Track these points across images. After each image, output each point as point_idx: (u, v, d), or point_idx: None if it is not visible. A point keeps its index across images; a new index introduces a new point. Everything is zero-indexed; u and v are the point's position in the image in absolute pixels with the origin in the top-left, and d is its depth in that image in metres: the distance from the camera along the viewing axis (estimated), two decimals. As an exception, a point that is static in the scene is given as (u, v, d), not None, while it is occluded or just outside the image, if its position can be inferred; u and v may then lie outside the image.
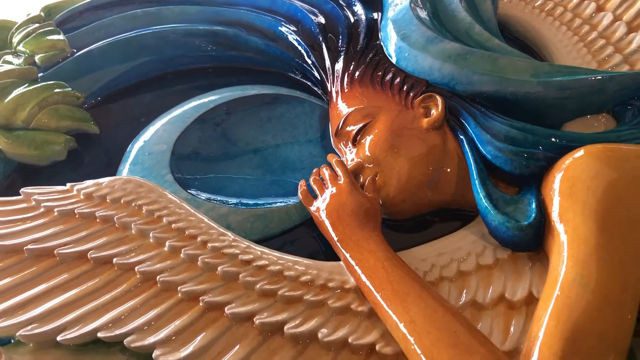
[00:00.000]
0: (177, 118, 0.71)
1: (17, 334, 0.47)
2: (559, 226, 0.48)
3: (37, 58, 0.81)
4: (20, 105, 0.72)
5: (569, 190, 0.49)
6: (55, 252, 0.53)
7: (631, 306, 0.42)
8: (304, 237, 0.59)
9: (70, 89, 0.75)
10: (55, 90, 0.74)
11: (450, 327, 0.43)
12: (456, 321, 0.44)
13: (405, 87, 0.63)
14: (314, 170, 0.61)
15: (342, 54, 0.70)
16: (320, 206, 0.56)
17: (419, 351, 0.43)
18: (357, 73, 0.66)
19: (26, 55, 0.82)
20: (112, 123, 0.75)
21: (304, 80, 0.77)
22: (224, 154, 0.67)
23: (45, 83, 0.75)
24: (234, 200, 0.61)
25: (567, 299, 0.43)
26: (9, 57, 0.82)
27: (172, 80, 0.80)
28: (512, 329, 0.46)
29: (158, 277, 0.50)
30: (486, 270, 0.51)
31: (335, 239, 0.53)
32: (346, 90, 0.66)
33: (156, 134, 0.69)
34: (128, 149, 0.70)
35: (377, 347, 0.46)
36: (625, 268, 0.43)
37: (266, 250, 0.54)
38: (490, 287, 0.49)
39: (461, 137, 0.58)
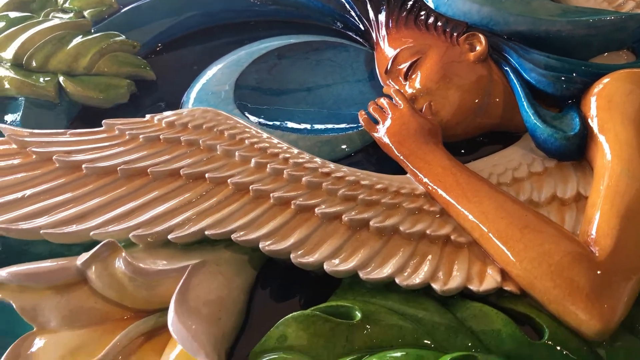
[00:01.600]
0: (232, 63, 0.76)
1: (130, 235, 0.52)
2: (601, 135, 0.56)
3: (86, 13, 0.85)
4: (81, 52, 0.77)
5: (607, 104, 0.57)
6: (148, 170, 0.58)
7: None
8: (366, 160, 0.65)
9: (125, 38, 0.80)
10: (113, 39, 0.79)
11: (521, 213, 0.50)
12: (525, 209, 0.51)
13: (448, 28, 0.70)
14: (370, 102, 0.67)
15: (384, 3, 0.76)
16: (384, 130, 0.63)
17: (493, 235, 0.50)
18: (401, 18, 0.73)
19: (74, 11, 0.86)
20: (165, 71, 0.80)
21: (345, 31, 0.83)
22: (281, 92, 0.73)
23: (102, 33, 0.80)
24: (301, 128, 0.67)
25: (618, 187, 0.50)
26: (58, 14, 0.86)
27: (218, 34, 0.86)
28: (566, 219, 0.54)
29: (250, 186, 0.56)
30: (537, 176, 0.58)
31: (402, 156, 0.60)
32: (392, 34, 0.72)
33: (215, 77, 0.75)
34: (187, 92, 0.75)
35: (452, 237, 0.53)
36: None
37: (340, 165, 0.60)
38: (543, 189, 0.57)
39: (505, 68, 0.65)
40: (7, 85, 0.74)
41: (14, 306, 0.51)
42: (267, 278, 0.53)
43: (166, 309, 0.50)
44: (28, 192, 0.58)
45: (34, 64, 0.76)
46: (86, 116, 0.75)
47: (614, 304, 0.44)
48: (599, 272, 0.46)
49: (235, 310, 0.50)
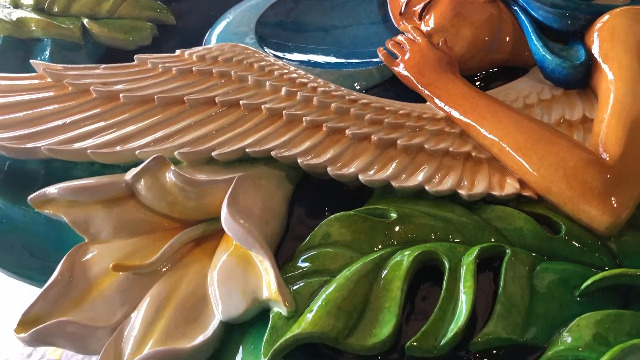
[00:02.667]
0: (251, 7, 0.80)
1: (175, 153, 0.56)
2: (604, 64, 0.61)
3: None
4: (103, -4, 0.79)
5: (610, 36, 0.62)
6: (185, 98, 0.61)
7: None
8: (384, 94, 0.69)
9: (146, -17, 0.83)
10: (134, -16, 0.81)
11: (537, 128, 0.55)
12: (540, 124, 0.56)
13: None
14: (387, 40, 0.71)
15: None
16: (403, 64, 0.67)
17: (511, 149, 0.55)
18: None
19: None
20: (184, 16, 0.83)
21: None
22: (300, 33, 0.77)
23: (122, -22, 0.82)
24: (322, 63, 0.71)
25: (623, 104, 0.56)
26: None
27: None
28: (574, 137, 0.59)
29: (284, 111, 0.60)
30: (546, 103, 0.63)
31: (422, 86, 0.64)
32: None
33: (235, 19, 0.78)
34: (207, 34, 0.78)
35: (473, 154, 0.58)
36: None
37: (364, 94, 0.64)
38: (552, 113, 0.62)
39: (514, 7, 0.70)
40: (33, 27, 0.76)
41: (66, 220, 0.55)
42: (302, 193, 0.57)
43: (213, 218, 0.54)
44: (68, 119, 0.61)
45: (55, 8, 0.79)
46: (110, 58, 0.77)
47: (622, 202, 0.50)
48: (608, 175, 0.51)
49: (279, 217, 0.54)
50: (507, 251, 0.47)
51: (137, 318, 0.49)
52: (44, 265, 0.56)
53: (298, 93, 0.62)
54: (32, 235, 0.58)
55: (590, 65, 0.62)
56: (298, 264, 0.48)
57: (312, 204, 0.57)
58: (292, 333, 0.41)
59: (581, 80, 0.63)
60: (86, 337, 0.50)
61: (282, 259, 0.51)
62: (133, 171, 0.53)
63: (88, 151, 0.57)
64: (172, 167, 0.52)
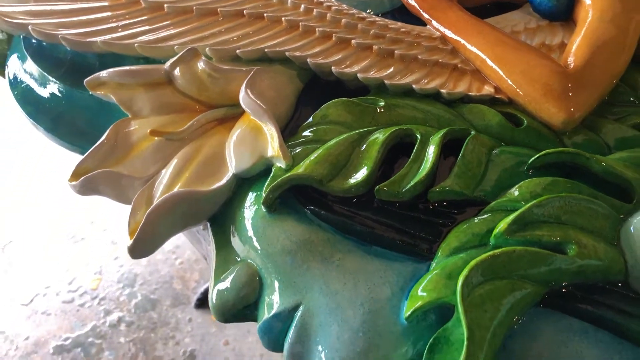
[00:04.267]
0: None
1: (207, 49, 0.67)
2: None
3: None
4: None
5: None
6: (218, 10, 0.72)
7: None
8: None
9: None
10: None
11: (515, 44, 0.65)
12: (520, 42, 0.65)
13: None
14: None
15: None
16: (409, -8, 0.76)
17: (490, 60, 0.64)
18: None
19: None
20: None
21: None
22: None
23: None
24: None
25: (593, 28, 0.64)
26: None
27: None
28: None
29: (300, 23, 0.70)
30: (531, 30, 0.72)
31: (423, 10, 0.73)
32: None
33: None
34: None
35: (459, 66, 0.67)
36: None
37: (372, 15, 0.74)
38: (535, 39, 0.70)
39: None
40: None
41: (114, 99, 0.66)
42: (310, 90, 0.68)
43: (235, 104, 0.65)
44: (120, 23, 0.73)
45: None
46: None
47: (577, 104, 0.59)
48: (569, 82, 0.60)
49: (287, 104, 0.65)
50: (471, 132, 0.56)
51: (167, 173, 0.61)
52: (95, 137, 0.68)
53: (314, 10, 0.72)
54: (87, 113, 0.71)
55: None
56: (299, 137, 0.59)
57: (317, 99, 0.66)
58: (286, 175, 0.52)
59: (564, 12, 0.71)
60: (126, 186, 0.61)
61: (287, 135, 0.61)
62: (171, 60, 0.65)
63: (135, 45, 0.68)
64: (203, 57, 0.63)
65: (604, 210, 0.50)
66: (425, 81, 0.64)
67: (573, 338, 0.46)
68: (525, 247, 0.45)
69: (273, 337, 0.50)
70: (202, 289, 1.97)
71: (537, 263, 0.45)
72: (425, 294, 0.45)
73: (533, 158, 0.53)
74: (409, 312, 0.45)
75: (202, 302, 1.96)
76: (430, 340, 0.43)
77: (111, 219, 2.28)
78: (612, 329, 0.46)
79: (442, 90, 0.62)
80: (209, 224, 0.60)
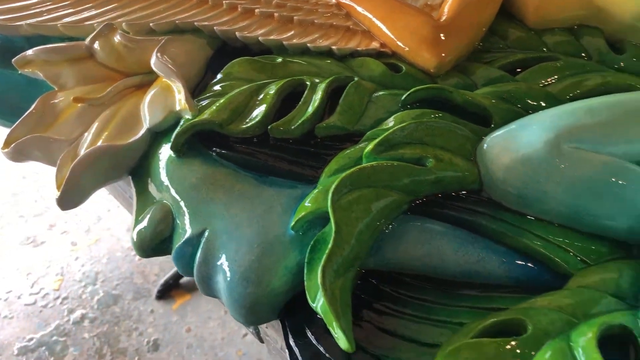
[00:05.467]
0: None
1: (123, 24, 0.74)
2: None
3: None
4: None
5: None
6: (135, -9, 0.79)
7: None
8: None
9: None
10: None
11: (398, 4, 0.73)
12: (403, 2, 0.74)
13: None
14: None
15: None
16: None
17: (377, 19, 0.73)
18: None
19: None
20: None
21: None
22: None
23: None
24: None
25: None
26: None
27: None
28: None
29: (209, -3, 0.78)
30: (417, -6, 0.81)
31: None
32: None
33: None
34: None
35: (351, 27, 0.76)
36: None
37: (276, -10, 0.82)
38: (419, 1, 0.79)
39: None
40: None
41: (41, 75, 0.73)
42: (219, 56, 0.75)
43: (150, 72, 0.72)
44: (45, 7, 0.79)
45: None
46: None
47: (447, 49, 0.68)
48: (440, 32, 0.69)
49: (198, 67, 0.72)
50: (355, 79, 0.65)
51: (89, 133, 0.68)
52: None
53: (223, -15, 0.80)
54: (17, 91, 0.77)
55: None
56: (207, 92, 0.66)
57: (226, 63, 0.74)
58: (190, 121, 0.59)
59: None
60: (54, 149, 0.68)
61: (196, 94, 0.68)
62: (90, 35, 0.72)
63: (59, 25, 0.75)
64: (119, 31, 0.71)
65: (463, 132, 0.58)
66: (320, 41, 0.72)
67: (435, 236, 0.54)
68: (387, 161, 0.53)
69: (185, 262, 0.57)
70: (162, 281, 2.02)
71: (398, 174, 0.53)
72: (308, 205, 0.53)
73: (405, 95, 0.62)
74: (294, 222, 0.52)
75: (163, 294, 2.01)
76: (312, 242, 0.51)
77: (70, 222, 2.31)
78: (467, 226, 0.55)
79: (334, 47, 0.70)
80: (131, 178, 0.67)
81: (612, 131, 0.55)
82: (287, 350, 0.51)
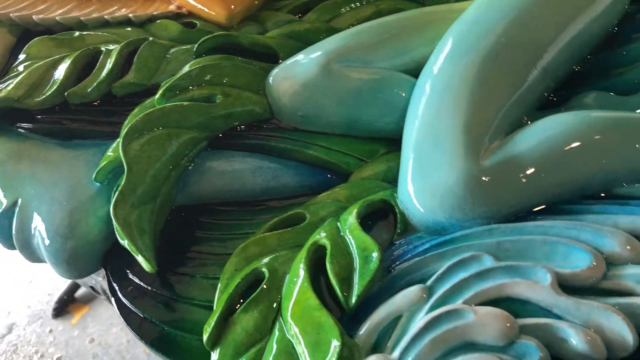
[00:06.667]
0: None
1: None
2: None
3: None
4: None
5: None
6: None
7: None
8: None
9: None
10: None
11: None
12: None
13: None
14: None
15: None
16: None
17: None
18: None
19: None
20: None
21: None
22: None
23: None
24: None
25: None
26: None
27: None
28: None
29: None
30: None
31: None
32: None
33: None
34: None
35: (150, -4, 0.79)
36: None
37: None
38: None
39: None
40: None
41: None
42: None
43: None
44: None
45: None
46: None
47: (236, 2, 0.73)
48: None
49: (3, 53, 0.73)
50: (148, 39, 0.68)
51: None
52: None
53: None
54: None
55: None
56: (9, 74, 0.68)
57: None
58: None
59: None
60: None
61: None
62: None
63: None
64: None
65: (251, 70, 0.64)
66: (118, 12, 0.76)
67: (234, 164, 0.59)
68: (176, 102, 0.58)
69: (5, 234, 0.59)
70: (56, 299, 1.98)
71: (187, 113, 0.58)
72: (109, 154, 0.56)
73: (196, 45, 0.67)
74: (96, 173, 0.56)
75: (59, 311, 1.97)
76: (114, 188, 0.54)
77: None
78: (262, 150, 0.61)
79: (130, 15, 0.74)
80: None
81: (377, 48, 0.63)
82: (110, 293, 0.55)
